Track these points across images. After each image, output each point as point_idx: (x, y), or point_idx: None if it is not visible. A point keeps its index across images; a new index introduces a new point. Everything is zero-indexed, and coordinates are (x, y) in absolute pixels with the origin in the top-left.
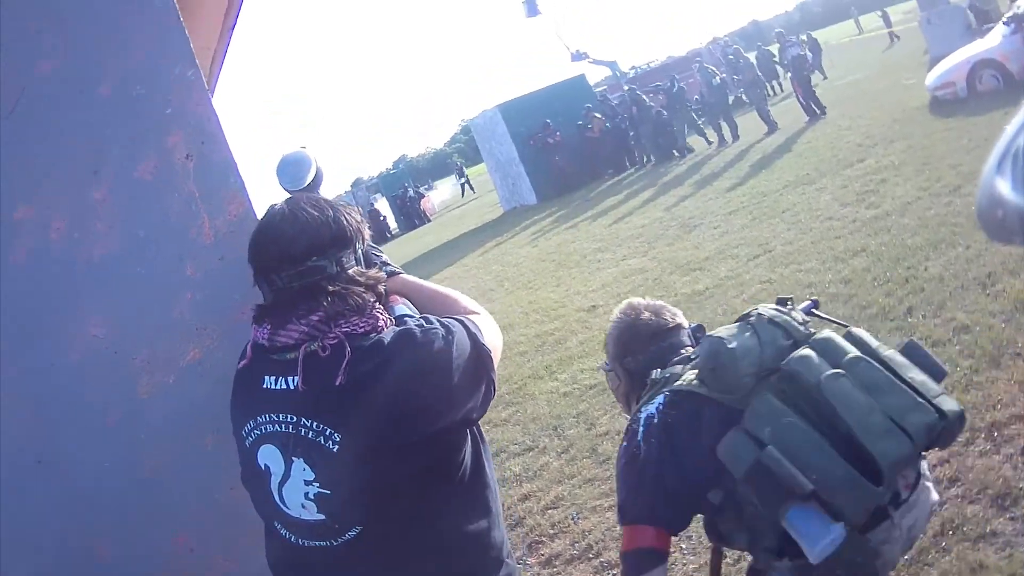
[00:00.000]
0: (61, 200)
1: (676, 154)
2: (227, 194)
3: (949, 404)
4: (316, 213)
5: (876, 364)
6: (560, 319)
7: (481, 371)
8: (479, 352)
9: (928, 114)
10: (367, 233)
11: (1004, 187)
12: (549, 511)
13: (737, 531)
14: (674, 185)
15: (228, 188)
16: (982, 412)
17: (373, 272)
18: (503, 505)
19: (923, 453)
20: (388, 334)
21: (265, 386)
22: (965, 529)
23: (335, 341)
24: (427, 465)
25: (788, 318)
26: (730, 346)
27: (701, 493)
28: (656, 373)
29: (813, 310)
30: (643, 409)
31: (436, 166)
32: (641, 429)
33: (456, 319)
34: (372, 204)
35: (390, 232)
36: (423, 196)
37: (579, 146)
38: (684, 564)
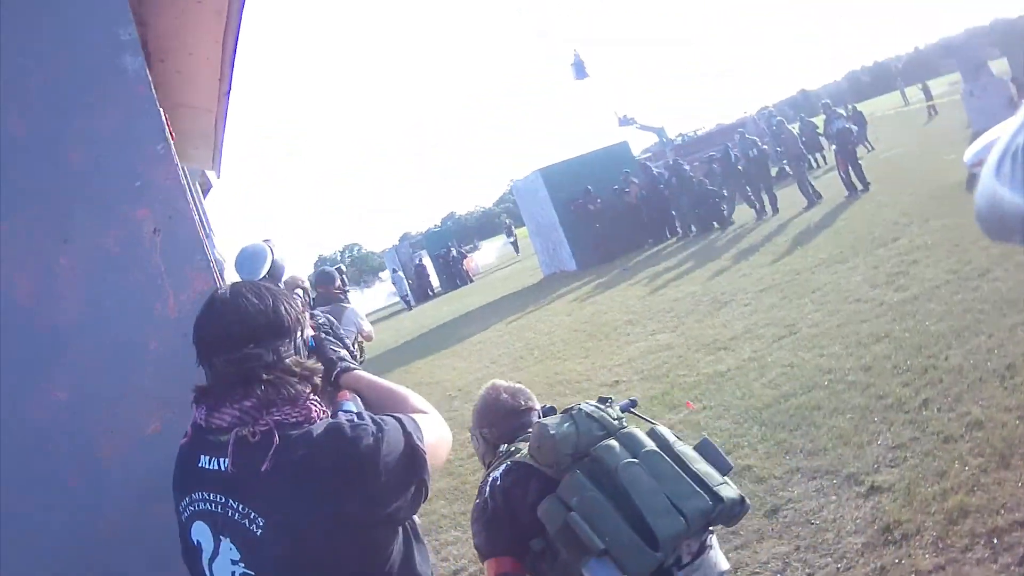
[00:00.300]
0: (29, 263)
1: (716, 225)
2: (193, 270)
3: (728, 492)
4: (256, 301)
5: (666, 457)
6: (582, 393)
7: (412, 471)
8: (412, 452)
9: (964, 191)
10: (308, 324)
11: (1004, 187)
12: None
13: (552, 573)
14: (711, 258)
15: (194, 264)
16: (984, 516)
17: (310, 363)
18: None
19: (710, 528)
20: (319, 426)
21: (200, 464)
22: None
23: (265, 428)
24: (350, 558)
25: (604, 413)
26: (551, 432)
27: (528, 540)
28: (504, 447)
29: (631, 408)
30: (491, 473)
31: (484, 224)
32: (488, 489)
33: (395, 417)
34: (418, 260)
35: (432, 290)
36: (466, 257)
37: (620, 213)
38: None
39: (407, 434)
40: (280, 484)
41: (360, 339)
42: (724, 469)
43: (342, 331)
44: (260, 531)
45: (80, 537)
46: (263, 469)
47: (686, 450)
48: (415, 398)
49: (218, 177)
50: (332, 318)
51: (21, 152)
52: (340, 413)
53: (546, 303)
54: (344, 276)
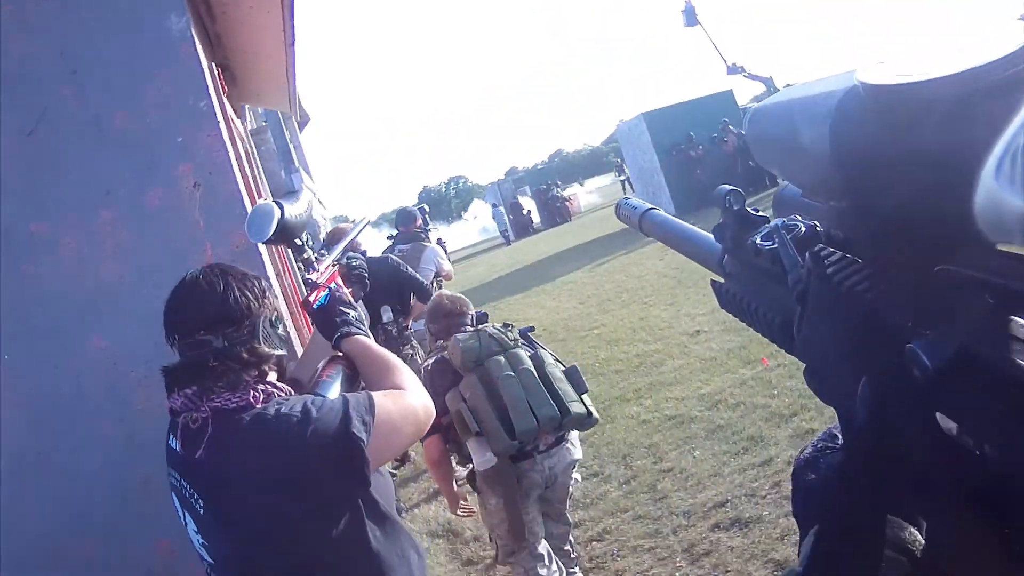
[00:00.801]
0: (73, 219)
1: None
2: (231, 224)
3: (576, 408)
4: (207, 289)
5: (536, 375)
6: (663, 340)
7: (343, 461)
8: (345, 441)
9: None
10: (268, 306)
11: (1004, 187)
12: (593, 543)
13: (452, 445)
14: None
15: (233, 219)
16: None
17: (263, 349)
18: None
19: (562, 429)
20: (248, 415)
21: (169, 443)
22: None
23: (204, 415)
24: (287, 543)
25: (503, 335)
26: (460, 343)
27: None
28: (439, 343)
29: (528, 334)
30: (426, 361)
31: (592, 162)
32: (422, 371)
33: (344, 398)
34: (516, 198)
35: (533, 227)
36: (566, 196)
37: (720, 161)
38: None
39: (346, 419)
40: (212, 471)
41: (440, 278)
42: (581, 390)
43: (447, 270)
44: (202, 511)
45: (113, 484)
46: (197, 456)
47: (555, 372)
48: (399, 372)
49: (297, 119)
50: (364, 267)
51: (66, 110)
52: (290, 398)
53: (640, 246)
54: (427, 215)
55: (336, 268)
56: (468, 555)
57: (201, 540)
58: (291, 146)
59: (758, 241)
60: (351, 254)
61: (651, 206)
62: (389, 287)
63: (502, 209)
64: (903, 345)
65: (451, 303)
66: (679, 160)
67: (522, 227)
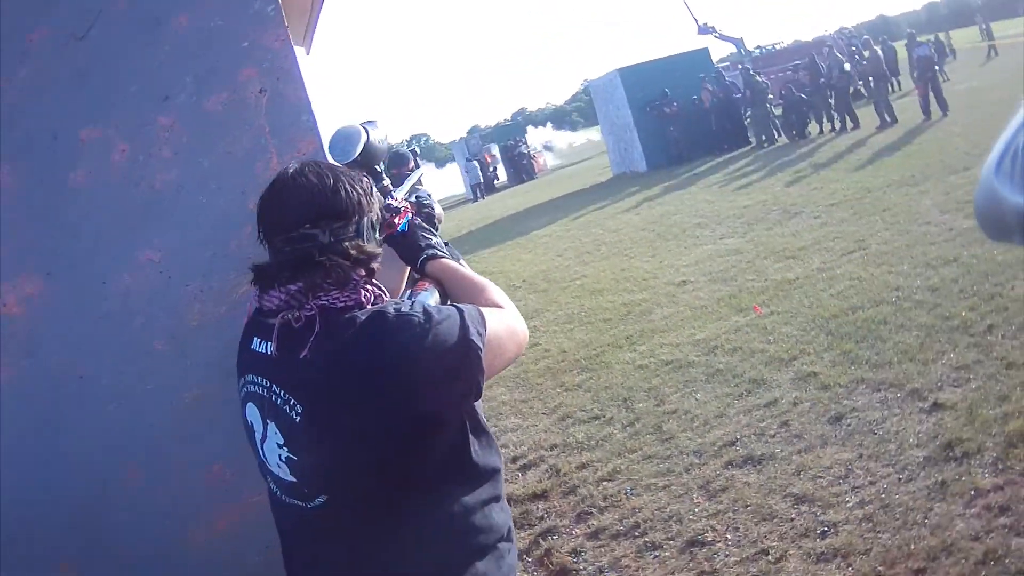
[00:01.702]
0: (128, 124)
1: (795, 134)
2: (298, 132)
3: None
4: (316, 181)
5: None
6: (649, 290)
7: (460, 368)
8: (465, 348)
9: None
10: (375, 205)
11: (1004, 187)
12: (604, 483)
13: None
14: (783, 169)
15: (300, 126)
16: None
17: (370, 247)
18: (559, 471)
19: None
20: (364, 314)
21: (252, 347)
22: (1007, 561)
23: (310, 313)
24: (392, 452)
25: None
26: None
27: None
28: None
29: None
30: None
31: (555, 121)
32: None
33: (456, 307)
34: (483, 155)
35: (497, 180)
36: (533, 155)
37: (694, 119)
38: (726, 555)
39: (464, 327)
40: (318, 372)
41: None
42: None
43: (439, 213)
44: (299, 418)
45: (162, 405)
46: (302, 356)
47: None
48: (493, 291)
49: (307, 53)
50: (435, 201)
51: (126, 14)
52: (404, 301)
53: (615, 201)
54: (417, 158)
55: (407, 204)
56: None
57: (287, 453)
58: None
59: None
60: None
61: None
62: None
63: (476, 163)
64: None
65: None
66: (653, 117)
67: (488, 183)
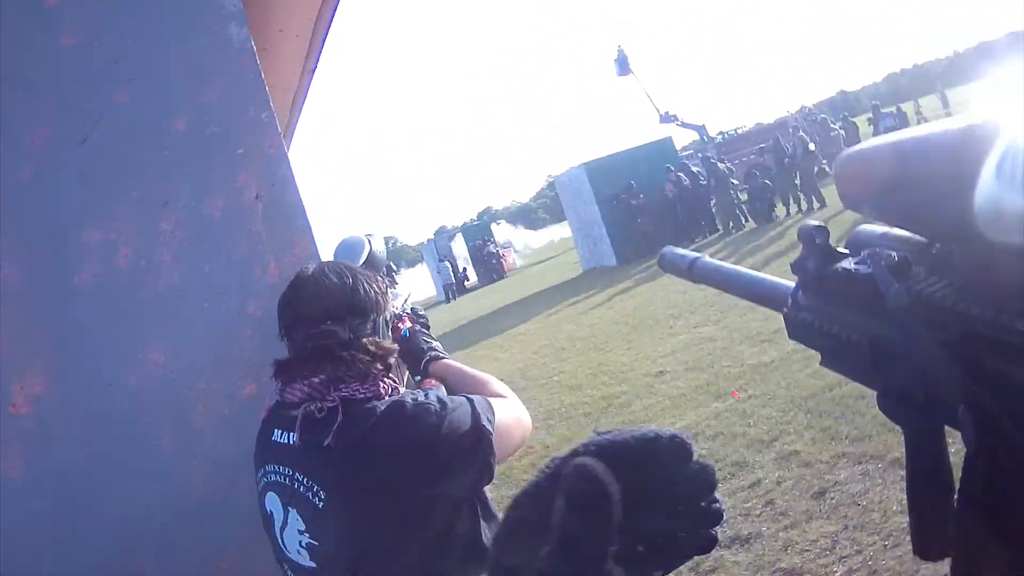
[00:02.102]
0: (130, 227)
1: (764, 220)
2: (294, 235)
3: None
4: (336, 280)
5: None
6: (627, 382)
7: (475, 452)
8: (478, 433)
9: None
10: (390, 304)
11: (1003, 187)
12: None
13: None
14: (753, 253)
15: (295, 230)
16: None
17: (387, 343)
18: None
19: None
20: (383, 403)
21: (274, 438)
22: None
23: (332, 404)
24: (409, 535)
25: None
26: None
27: None
28: None
29: None
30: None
31: (521, 219)
32: None
33: (466, 397)
34: (453, 256)
35: (468, 281)
36: (501, 254)
37: (662, 209)
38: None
39: (475, 414)
40: (341, 459)
41: None
42: None
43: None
44: (322, 504)
45: (174, 503)
46: (325, 444)
47: None
48: (496, 383)
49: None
50: (426, 317)
51: (125, 119)
52: (419, 391)
53: (587, 296)
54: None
55: (405, 312)
56: None
57: (308, 539)
58: None
59: (851, 267)
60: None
61: (698, 255)
62: None
63: (447, 263)
64: (1015, 350)
65: None
66: (620, 210)
67: (460, 284)
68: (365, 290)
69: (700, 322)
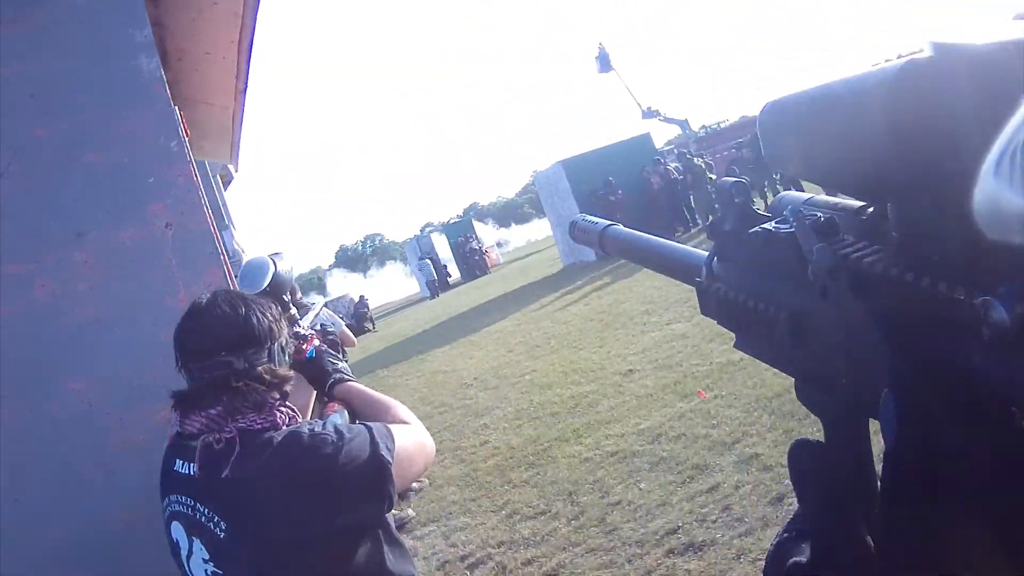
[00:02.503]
0: (47, 260)
1: None
2: (204, 263)
3: None
4: (229, 310)
5: None
6: (597, 382)
7: (373, 481)
8: (376, 463)
9: None
10: (284, 331)
11: (1003, 186)
12: None
13: None
14: None
15: (205, 257)
16: None
17: (282, 371)
18: (505, 568)
19: None
20: (280, 434)
21: (175, 468)
22: None
23: (229, 435)
24: (309, 563)
25: None
26: None
27: None
28: None
29: None
30: None
31: (507, 215)
32: None
33: (365, 426)
34: (435, 253)
35: (450, 277)
36: (484, 251)
37: (640, 205)
38: None
39: (374, 444)
40: (239, 490)
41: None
42: None
43: (352, 338)
44: (223, 534)
45: (93, 528)
46: (223, 475)
47: None
48: (399, 409)
49: (235, 171)
50: (335, 333)
51: (38, 151)
52: (316, 421)
53: (565, 293)
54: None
55: (312, 332)
56: None
57: (213, 568)
58: (220, 202)
59: (771, 226)
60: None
61: (611, 222)
62: None
63: (428, 261)
64: (951, 322)
65: None
66: (599, 206)
67: (442, 281)
68: (259, 319)
69: (673, 319)
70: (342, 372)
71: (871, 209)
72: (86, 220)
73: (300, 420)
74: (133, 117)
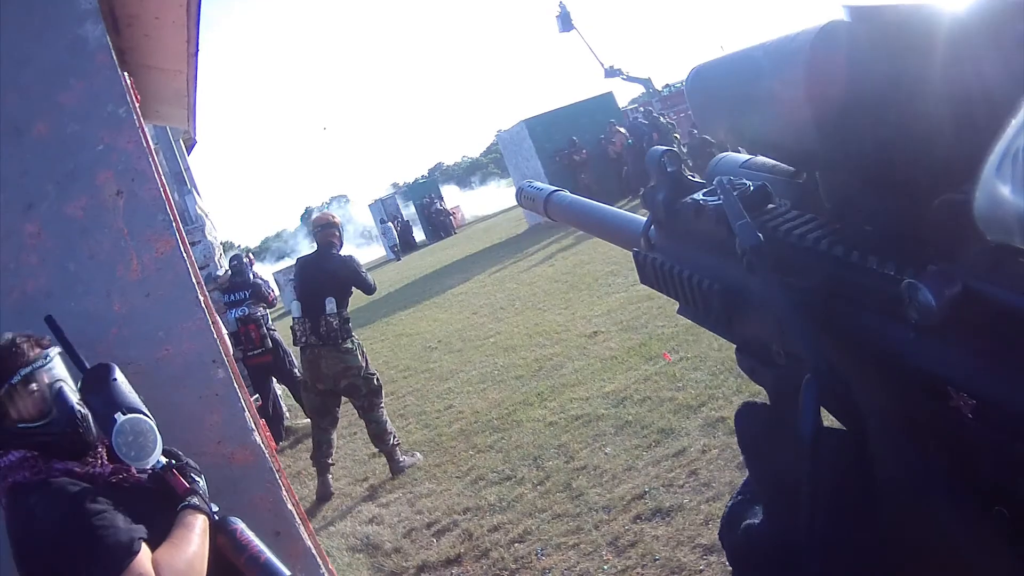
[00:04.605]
0: None
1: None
2: (155, 232)
3: None
4: None
5: None
6: (561, 343)
7: None
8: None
9: None
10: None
11: (1004, 188)
12: (515, 544)
13: None
14: None
15: (156, 226)
16: None
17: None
18: (471, 535)
19: None
20: (32, 499)
21: None
22: None
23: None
24: None
25: None
26: None
27: None
28: None
29: None
30: None
31: (472, 174)
32: None
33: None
34: (400, 215)
35: (415, 243)
36: (450, 211)
37: (605, 164)
38: None
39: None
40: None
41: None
42: None
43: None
44: None
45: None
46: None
47: None
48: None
49: (193, 135)
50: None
51: None
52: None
53: (530, 254)
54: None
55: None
56: (390, 567)
57: None
58: (182, 167)
59: (700, 198)
60: None
61: (556, 188)
62: (334, 280)
63: (391, 225)
64: (880, 302)
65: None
66: (563, 165)
67: (405, 243)
68: None
69: (638, 280)
70: (194, 497)
71: (805, 175)
72: (35, 191)
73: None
74: (80, 84)
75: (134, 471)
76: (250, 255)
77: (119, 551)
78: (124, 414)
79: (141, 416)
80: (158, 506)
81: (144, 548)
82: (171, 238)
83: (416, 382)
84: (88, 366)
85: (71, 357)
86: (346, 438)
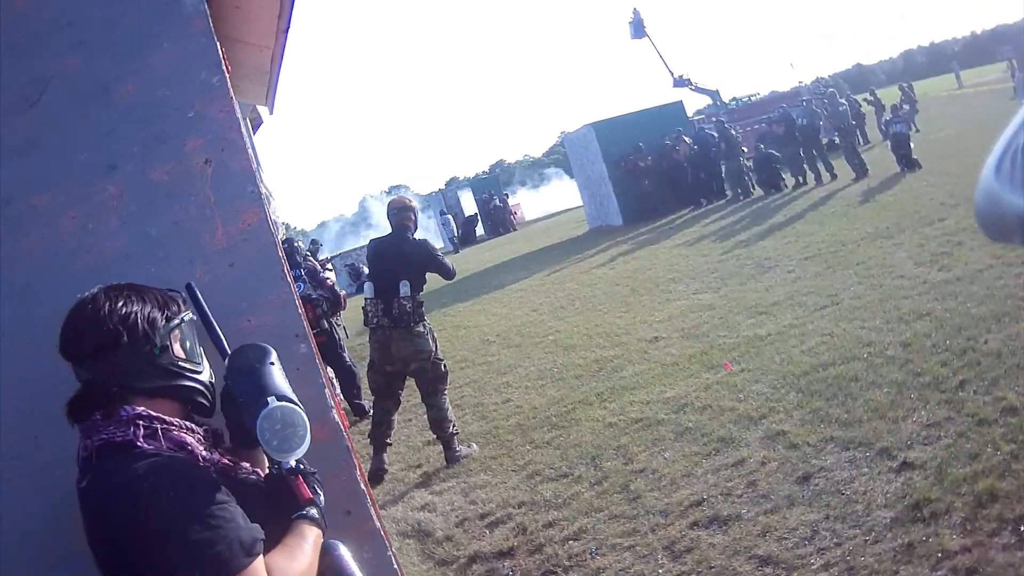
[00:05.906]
0: (77, 192)
1: (774, 190)
2: (243, 203)
3: None
4: (100, 310)
5: None
6: (621, 346)
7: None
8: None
9: None
10: (160, 331)
11: (1003, 187)
12: (570, 542)
13: None
14: (757, 222)
15: (244, 197)
16: (1013, 502)
17: (144, 382)
18: (526, 529)
19: None
20: (129, 460)
21: None
22: None
23: (86, 454)
24: None
25: None
26: None
27: None
28: None
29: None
30: None
31: (533, 174)
32: None
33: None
34: (462, 208)
35: (475, 235)
36: (511, 207)
37: (669, 171)
38: None
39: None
40: (87, 504)
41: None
42: None
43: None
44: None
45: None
46: (81, 486)
47: None
48: (299, 568)
49: (271, 113)
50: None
51: (72, 81)
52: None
53: (591, 255)
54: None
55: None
56: (441, 555)
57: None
58: (250, 146)
59: None
60: None
61: None
62: (408, 263)
63: (450, 217)
64: None
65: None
66: (627, 170)
67: (465, 237)
68: (121, 319)
69: (700, 288)
70: (313, 508)
71: None
72: (120, 152)
73: (164, 448)
74: (174, 49)
75: (245, 466)
76: (313, 245)
77: (239, 550)
78: (277, 400)
79: (296, 408)
80: (264, 509)
81: (262, 552)
82: (259, 210)
83: (474, 373)
84: (224, 343)
85: (207, 330)
86: (401, 424)
